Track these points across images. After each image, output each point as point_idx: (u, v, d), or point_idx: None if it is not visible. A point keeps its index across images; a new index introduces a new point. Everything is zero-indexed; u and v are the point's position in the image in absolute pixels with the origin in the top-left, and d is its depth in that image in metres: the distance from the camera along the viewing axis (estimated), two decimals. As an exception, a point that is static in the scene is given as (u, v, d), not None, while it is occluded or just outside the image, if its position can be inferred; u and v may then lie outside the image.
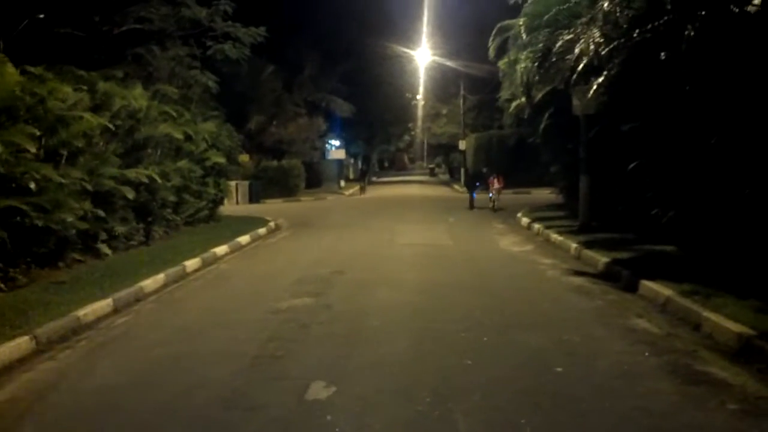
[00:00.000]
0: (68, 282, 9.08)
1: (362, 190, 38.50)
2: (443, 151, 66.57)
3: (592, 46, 9.64)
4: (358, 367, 5.61)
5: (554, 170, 18.07)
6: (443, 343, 6.31)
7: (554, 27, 12.16)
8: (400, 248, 13.38)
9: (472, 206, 22.82)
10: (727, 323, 5.96)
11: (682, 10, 8.14)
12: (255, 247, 14.63)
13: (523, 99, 16.52)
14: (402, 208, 25.00)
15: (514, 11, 16.10)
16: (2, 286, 8.50)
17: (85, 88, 11.85)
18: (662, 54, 8.45)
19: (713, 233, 8.59)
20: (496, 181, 22.09)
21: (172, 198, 14.69)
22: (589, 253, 10.82)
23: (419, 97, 59.28)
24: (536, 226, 15.44)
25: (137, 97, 13.88)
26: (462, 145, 40.42)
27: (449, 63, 38.43)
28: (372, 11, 38.70)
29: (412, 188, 43.26)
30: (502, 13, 18.57)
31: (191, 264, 11.11)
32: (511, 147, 32.08)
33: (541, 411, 4.52)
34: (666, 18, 8.37)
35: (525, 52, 14.59)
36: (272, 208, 26.40)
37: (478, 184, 23.89)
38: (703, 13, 7.86)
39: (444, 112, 52.28)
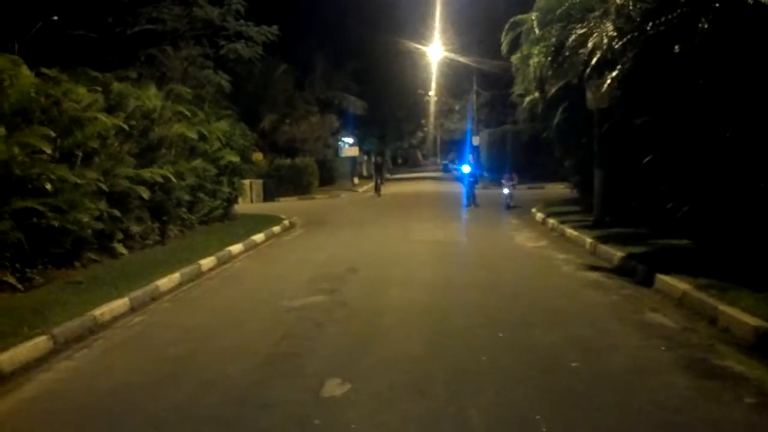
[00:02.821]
0: (85, 282, 9.15)
1: (377, 189, 32.51)
2: (456, 147, 66.46)
3: (605, 40, 9.58)
4: (373, 364, 5.62)
5: (568, 165, 18.00)
6: (457, 340, 6.31)
7: (567, 21, 12.09)
8: (413, 245, 13.37)
9: (472, 204, 21.89)
10: (743, 317, 5.91)
11: (696, 2, 8.07)
12: (270, 245, 14.68)
13: (537, 94, 16.47)
14: (415, 204, 24.99)
15: (527, 6, 16.05)
16: (19, 286, 8.57)
17: (99, 89, 11.92)
18: (676, 47, 8.38)
19: (728, 227, 8.53)
20: (510, 177, 21.66)
21: (186, 197, 14.76)
22: (604, 247, 10.77)
23: (432, 93, 59.14)
24: (551, 221, 15.39)
25: (151, 97, 13.95)
26: (476, 140, 40.32)
27: (461, 59, 38.30)
28: (383, 7, 38.73)
29: (425, 185, 43.17)
30: (514, 7, 18.55)
31: (206, 263, 11.16)
32: (525, 142, 31.98)
33: (556, 406, 4.51)
34: (679, 11, 8.30)
35: (538, 47, 14.53)
36: (286, 206, 26.48)
37: (473, 178, 22.84)
38: (717, 5, 7.79)
39: (457, 108, 52.28)
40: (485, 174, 25.76)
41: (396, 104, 49.67)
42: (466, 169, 24.26)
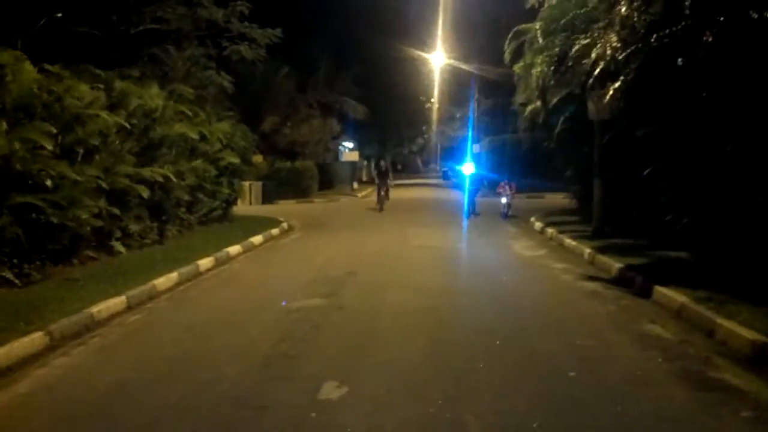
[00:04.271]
0: (82, 279, 9.13)
1: (380, 202, 24.79)
2: (456, 153, 66.39)
3: (608, 51, 9.62)
4: (370, 368, 5.62)
5: (568, 175, 18.03)
6: (455, 346, 6.30)
7: (571, 31, 12.14)
8: (412, 251, 13.36)
9: (472, 213, 21.16)
10: (740, 330, 5.92)
11: (701, 15, 8.09)
12: (268, 247, 14.66)
13: (538, 103, 16.47)
14: (414, 210, 24.95)
15: (530, 15, 16.07)
16: (17, 281, 8.56)
17: (101, 86, 11.93)
18: (679, 60, 8.41)
19: (728, 240, 8.54)
20: (508, 186, 21.28)
21: (186, 197, 14.76)
22: (602, 258, 10.76)
23: (433, 100, 59.15)
24: (549, 230, 15.39)
25: (153, 96, 13.97)
26: (476, 148, 40.23)
27: (463, 66, 38.28)
28: (387, 13, 38.79)
29: (425, 191, 43.09)
30: (517, 16, 18.56)
31: (204, 263, 11.13)
32: (525, 151, 31.94)
33: (553, 415, 4.50)
34: (684, 23, 8.32)
35: (541, 56, 14.54)
36: (285, 208, 26.43)
37: (477, 188, 22.37)
38: (722, 18, 7.81)
39: (458, 115, 52.22)
40: (487, 180, 25.55)
41: (397, 110, 49.73)
42: (468, 168, 23.22)
